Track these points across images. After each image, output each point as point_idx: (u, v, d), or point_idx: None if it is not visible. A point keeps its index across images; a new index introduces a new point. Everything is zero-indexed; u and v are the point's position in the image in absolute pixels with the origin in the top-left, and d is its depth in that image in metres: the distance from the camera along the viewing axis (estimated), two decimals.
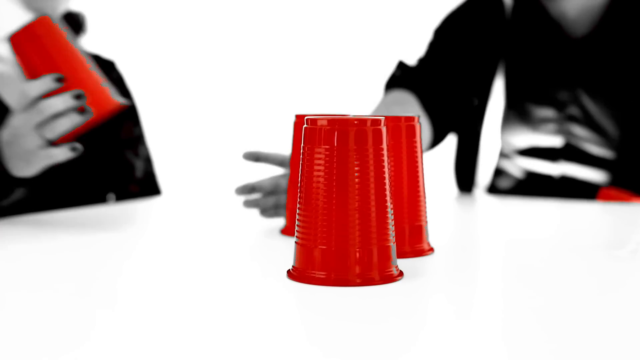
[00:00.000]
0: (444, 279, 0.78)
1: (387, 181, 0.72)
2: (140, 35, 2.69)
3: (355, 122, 0.71)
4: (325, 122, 0.71)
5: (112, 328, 0.61)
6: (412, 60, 1.56)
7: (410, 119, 0.85)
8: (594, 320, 0.63)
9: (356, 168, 0.70)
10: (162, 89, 2.64)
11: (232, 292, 0.71)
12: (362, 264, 0.71)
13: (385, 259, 0.72)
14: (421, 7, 2.57)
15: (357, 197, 0.70)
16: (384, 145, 0.72)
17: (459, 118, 1.52)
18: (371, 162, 0.71)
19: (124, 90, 1.50)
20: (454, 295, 0.72)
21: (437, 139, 1.48)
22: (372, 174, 0.71)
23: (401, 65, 1.52)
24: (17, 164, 1.05)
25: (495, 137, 1.52)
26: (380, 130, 0.72)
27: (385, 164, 0.72)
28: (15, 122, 1.03)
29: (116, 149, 1.47)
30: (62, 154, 1.02)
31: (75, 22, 1.44)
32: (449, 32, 1.56)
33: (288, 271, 0.75)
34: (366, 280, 0.71)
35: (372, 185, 0.71)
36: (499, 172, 1.53)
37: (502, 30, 1.51)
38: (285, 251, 0.87)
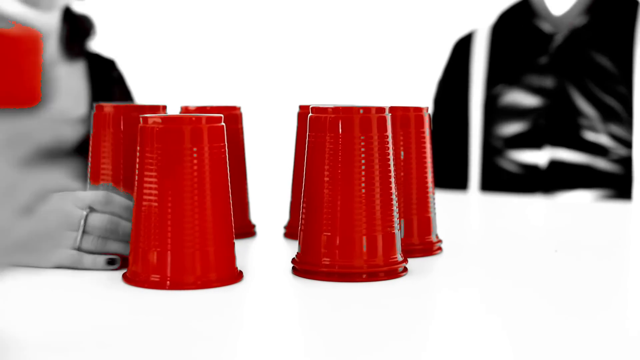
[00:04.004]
0: (450, 277, 0.77)
1: (391, 168, 0.73)
2: (141, 32, 2.69)
3: (360, 110, 0.71)
4: (330, 111, 0.72)
5: (116, 320, 0.62)
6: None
7: (418, 109, 0.85)
8: (599, 321, 0.63)
9: (362, 155, 0.71)
10: (163, 86, 2.64)
11: (236, 286, 0.71)
12: (368, 250, 0.71)
13: (390, 246, 0.72)
14: (421, 1, 2.58)
15: (362, 183, 0.71)
16: (389, 133, 0.73)
17: None
18: (376, 149, 0.71)
19: (124, 90, 1.49)
20: (460, 293, 0.72)
21: None
22: (377, 161, 0.71)
23: None
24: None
25: (484, 131, 1.52)
26: (384, 118, 0.72)
27: (390, 151, 0.73)
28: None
29: None
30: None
31: (83, 26, 1.42)
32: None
33: (293, 259, 0.75)
34: (371, 266, 0.71)
35: (376, 172, 0.71)
36: (490, 168, 1.52)
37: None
38: (288, 249, 0.88)
